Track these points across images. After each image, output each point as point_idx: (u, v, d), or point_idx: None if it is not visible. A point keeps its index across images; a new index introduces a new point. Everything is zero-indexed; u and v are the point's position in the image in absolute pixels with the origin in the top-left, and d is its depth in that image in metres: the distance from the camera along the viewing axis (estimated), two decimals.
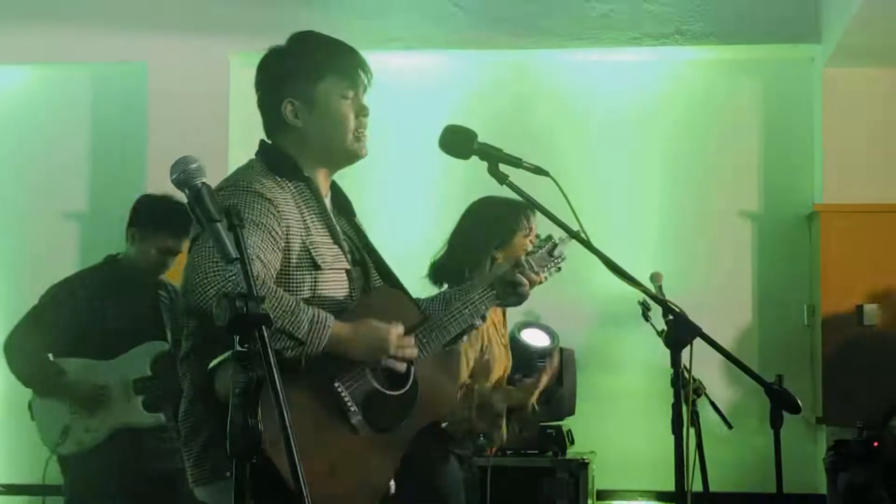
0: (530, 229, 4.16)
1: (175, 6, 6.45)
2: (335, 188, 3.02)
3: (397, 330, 2.77)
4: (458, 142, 2.94)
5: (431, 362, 2.91)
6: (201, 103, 6.36)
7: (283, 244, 2.73)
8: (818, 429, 6.07)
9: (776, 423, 2.80)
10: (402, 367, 2.80)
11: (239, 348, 1.93)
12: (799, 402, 2.74)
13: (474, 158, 2.92)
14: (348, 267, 2.87)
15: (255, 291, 2.00)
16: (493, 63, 6.57)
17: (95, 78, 6.75)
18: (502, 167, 2.88)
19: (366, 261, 2.96)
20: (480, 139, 2.93)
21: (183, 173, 2.19)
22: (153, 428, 4.80)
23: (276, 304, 2.57)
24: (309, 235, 2.79)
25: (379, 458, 2.78)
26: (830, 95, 6.16)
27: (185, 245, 4.93)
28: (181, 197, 2.21)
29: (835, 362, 6.00)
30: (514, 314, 6.01)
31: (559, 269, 3.28)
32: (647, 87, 6.49)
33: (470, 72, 6.57)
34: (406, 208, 6.37)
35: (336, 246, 2.86)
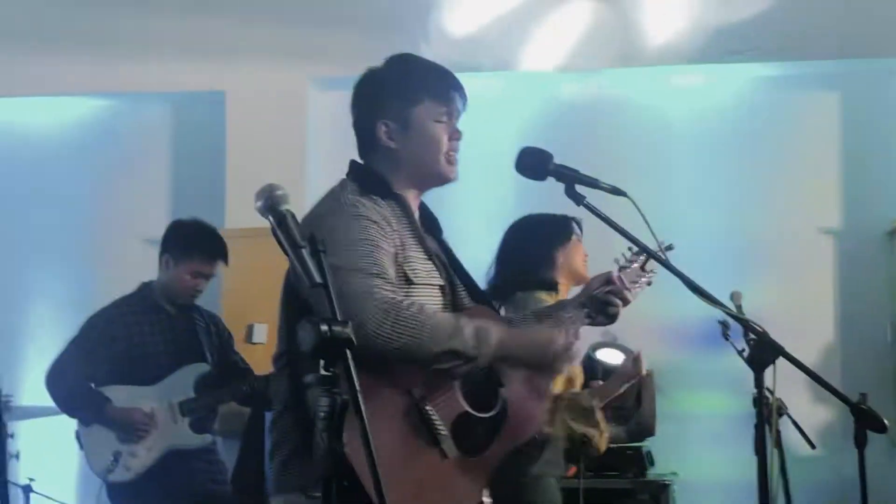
0: (581, 237, 4.28)
1: (253, 34, 6.53)
2: (423, 207, 3.03)
3: (562, 336, 2.81)
4: (534, 163, 2.94)
5: (520, 383, 2.89)
6: (280, 130, 6.43)
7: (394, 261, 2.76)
8: None
9: (860, 442, 2.77)
10: (563, 370, 2.82)
11: (324, 372, 1.95)
12: (885, 420, 2.70)
13: (550, 180, 2.93)
14: (442, 283, 2.89)
15: (338, 314, 2.02)
16: (566, 82, 6.57)
17: (175, 107, 6.86)
18: (579, 188, 2.88)
19: (454, 278, 2.97)
20: (556, 160, 2.93)
21: (268, 200, 2.22)
22: (201, 449, 4.85)
23: (440, 326, 2.62)
24: (404, 251, 2.81)
25: (466, 481, 2.76)
26: None
27: (219, 269, 5.01)
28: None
29: None
30: (591, 334, 6.00)
31: (650, 283, 3.23)
32: (723, 104, 6.45)
33: (542, 90, 6.58)
34: (475, 228, 6.38)
35: (430, 262, 2.88)
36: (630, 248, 3.27)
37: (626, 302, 3.11)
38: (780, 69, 6.33)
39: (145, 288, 5.04)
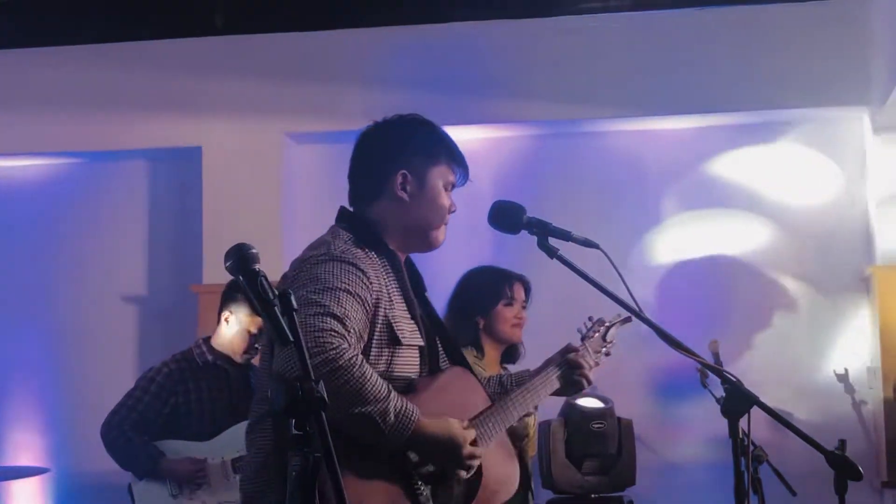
0: (514, 299, 4.30)
1: (228, 90, 6.56)
2: (409, 264, 3.03)
3: (470, 435, 2.76)
4: (506, 217, 2.96)
5: (496, 446, 2.91)
6: (256, 185, 6.44)
7: (370, 316, 2.74)
8: (884, 492, 5.96)
9: (840, 489, 2.76)
10: (462, 476, 2.77)
11: (295, 432, 1.94)
12: (860, 469, 2.70)
13: (523, 233, 2.94)
14: (422, 344, 2.88)
15: (310, 375, 2.01)
16: (539, 135, 6.61)
17: (152, 163, 6.86)
18: (552, 240, 2.90)
19: (435, 338, 2.97)
20: (528, 213, 2.95)
21: (238, 260, 2.21)
22: None
23: (369, 388, 2.58)
24: (392, 309, 2.80)
25: None
26: (880, 156, 6.13)
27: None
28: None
29: None
30: None
31: (608, 353, 3.36)
32: (695, 154, 6.48)
33: (515, 143, 6.61)
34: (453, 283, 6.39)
35: (413, 322, 2.87)
36: (590, 318, 3.40)
37: (590, 367, 3.23)
38: (752, 118, 6.38)
39: (203, 344, 5.02)
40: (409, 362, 2.82)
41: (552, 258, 2.88)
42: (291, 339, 2.01)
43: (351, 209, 2.97)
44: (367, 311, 2.72)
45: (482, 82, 6.40)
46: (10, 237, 6.87)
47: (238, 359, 4.97)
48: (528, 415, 3.13)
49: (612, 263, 2.80)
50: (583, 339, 3.30)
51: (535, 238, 2.92)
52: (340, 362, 2.54)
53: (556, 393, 3.22)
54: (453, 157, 2.99)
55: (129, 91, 6.64)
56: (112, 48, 6.69)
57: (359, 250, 2.81)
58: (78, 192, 6.89)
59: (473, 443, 2.77)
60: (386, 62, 6.46)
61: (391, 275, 2.86)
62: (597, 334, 3.28)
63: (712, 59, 6.28)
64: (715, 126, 6.45)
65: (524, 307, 4.36)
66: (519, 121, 6.45)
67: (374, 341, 2.75)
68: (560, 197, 6.29)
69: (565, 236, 2.87)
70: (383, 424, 2.59)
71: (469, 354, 4.17)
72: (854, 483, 2.75)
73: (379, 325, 2.76)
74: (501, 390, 3.13)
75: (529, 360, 5.92)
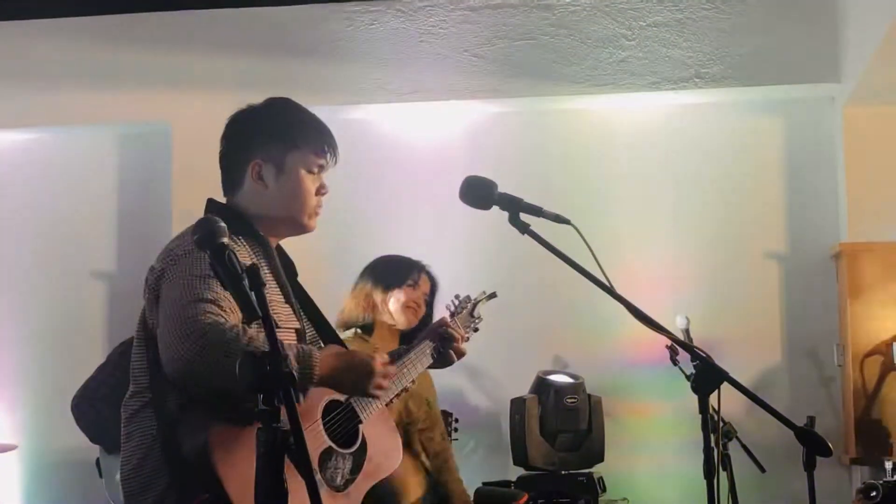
0: (418, 285, 4.48)
1: (198, 66, 6.52)
2: (280, 250, 3.02)
3: (381, 358, 2.81)
4: (478, 192, 2.94)
5: (375, 420, 2.95)
6: None
7: None
8: (852, 469, 6.01)
9: (809, 465, 2.77)
10: (383, 397, 2.85)
11: (263, 407, 1.93)
12: (829, 445, 2.71)
13: (495, 208, 2.93)
14: (298, 326, 2.88)
15: (278, 350, 2.00)
16: (512, 112, 6.60)
17: (121, 139, 6.82)
18: (523, 216, 2.88)
19: (309, 321, 2.97)
20: (500, 188, 2.93)
21: (205, 234, 2.19)
22: None
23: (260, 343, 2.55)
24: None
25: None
26: (851, 134, 6.16)
27: None
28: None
29: (866, 401, 5.95)
30: (542, 363, 6.02)
31: (476, 329, 3.51)
32: (667, 131, 6.50)
33: (489, 120, 6.60)
34: (427, 258, 6.38)
35: (288, 305, 2.87)
36: (457, 296, 3.58)
37: (462, 340, 3.33)
38: (722, 96, 6.39)
39: None
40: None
41: (523, 234, 2.87)
42: (260, 313, 2.00)
43: (222, 199, 2.98)
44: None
45: (451, 58, 6.38)
46: None
47: None
48: (404, 390, 3.22)
49: (584, 239, 2.80)
50: (452, 315, 3.37)
51: (506, 214, 2.91)
52: (228, 333, 2.52)
53: (431, 366, 3.33)
54: (315, 139, 2.95)
55: (98, 66, 6.58)
56: (80, 22, 6.63)
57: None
58: (47, 167, 6.84)
59: (384, 364, 2.81)
60: (359, 38, 6.42)
61: (262, 261, 2.86)
62: (465, 311, 3.36)
63: (684, 36, 6.28)
64: (686, 103, 6.45)
65: (426, 301, 4.51)
66: (490, 97, 6.43)
67: (252, 325, 2.70)
68: (531, 174, 6.29)
69: (536, 212, 2.85)
70: (293, 370, 2.57)
71: (355, 337, 4.37)
72: (822, 460, 2.76)
73: None
74: None
75: (508, 339, 5.96)
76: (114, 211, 6.79)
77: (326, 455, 2.78)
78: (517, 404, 5.58)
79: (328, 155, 2.97)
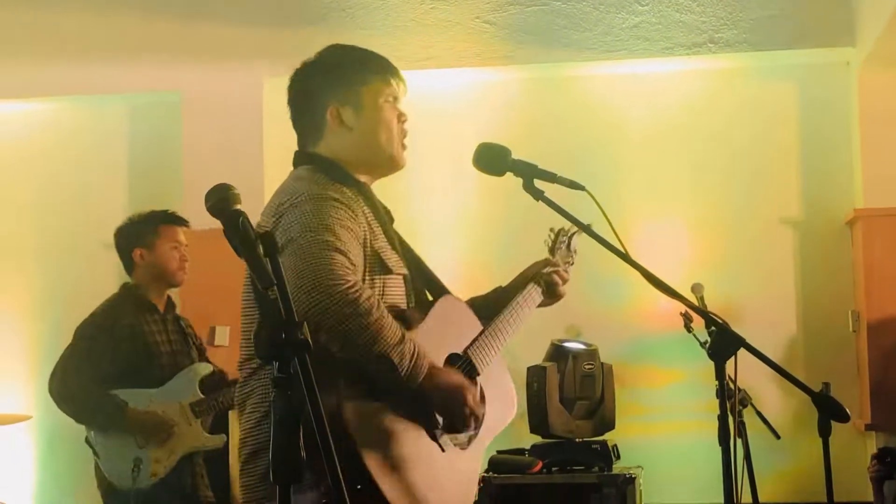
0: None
1: (207, 35, 6.49)
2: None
3: (475, 394, 2.76)
4: (492, 159, 2.92)
5: (491, 372, 2.92)
6: (235, 130, 6.39)
7: (362, 248, 2.73)
8: (867, 436, 6.00)
9: (825, 431, 2.76)
10: (462, 437, 2.81)
11: (278, 375, 1.92)
12: (847, 410, 2.70)
13: (509, 175, 2.91)
14: (405, 272, 2.87)
15: (294, 317, 1.99)
16: (525, 78, 6.57)
17: (131, 109, 6.80)
18: (537, 183, 2.86)
19: (411, 266, 2.95)
20: (514, 155, 2.91)
21: (218, 201, 2.17)
22: (215, 450, 4.83)
23: (387, 331, 2.57)
24: (375, 239, 2.79)
25: (464, 471, 2.82)
26: (867, 99, 6.10)
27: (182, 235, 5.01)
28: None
29: (881, 368, 5.93)
30: (555, 332, 6.01)
31: (573, 263, 3.34)
32: (681, 97, 6.46)
33: (501, 87, 6.57)
34: (440, 226, 6.36)
35: (394, 251, 2.86)
36: (552, 230, 3.35)
37: (564, 281, 3.19)
38: (736, 61, 6.34)
39: (131, 288, 4.94)
40: (396, 291, 2.82)
41: (537, 200, 2.84)
42: (274, 281, 1.99)
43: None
44: (360, 244, 2.71)
45: (463, 25, 6.34)
46: None
47: (175, 281, 4.95)
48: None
49: (598, 205, 2.78)
50: (551, 251, 3.27)
51: (520, 181, 2.89)
52: (362, 303, 2.54)
53: (540, 304, 3.21)
54: (382, 70, 2.94)
55: (107, 35, 6.56)
56: None
57: (335, 185, 2.78)
58: (57, 138, 6.83)
59: (477, 401, 2.76)
60: (370, 5, 6.40)
61: (367, 208, 2.84)
62: (563, 245, 3.27)
63: (697, 0, 6.23)
64: (700, 69, 6.41)
65: None
66: (502, 64, 6.40)
67: (367, 272, 2.74)
68: (544, 141, 6.26)
69: (551, 178, 2.83)
70: (399, 367, 2.59)
71: None
72: (837, 426, 2.75)
73: (369, 256, 2.75)
74: (487, 312, 3.07)
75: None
76: (125, 180, 6.78)
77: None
78: (536, 372, 5.55)
79: (397, 82, 2.96)
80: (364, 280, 2.71)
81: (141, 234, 4.94)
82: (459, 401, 2.71)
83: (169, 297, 5.00)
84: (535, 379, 5.54)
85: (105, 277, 6.69)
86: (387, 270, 2.77)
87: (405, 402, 2.66)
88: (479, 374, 2.87)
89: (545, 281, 3.15)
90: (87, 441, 4.75)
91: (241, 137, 6.38)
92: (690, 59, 6.29)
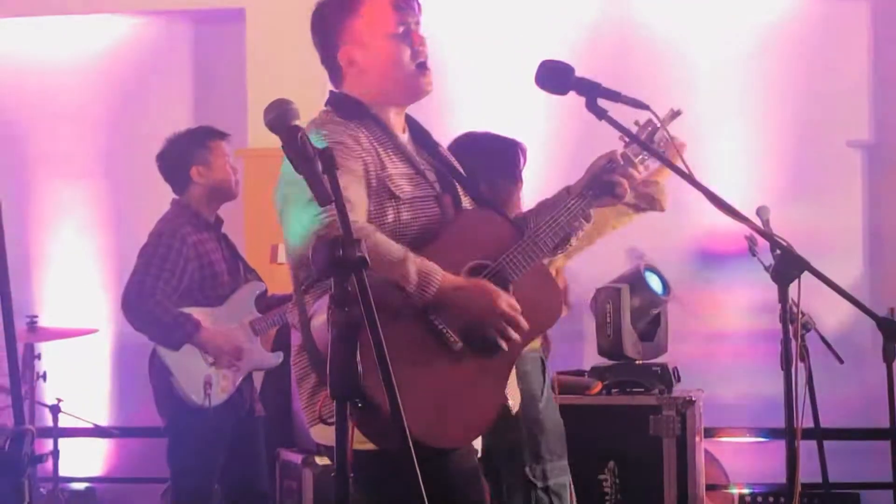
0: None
1: None
2: (411, 122, 3.00)
3: (509, 300, 2.73)
4: (554, 76, 2.86)
5: (530, 277, 2.86)
6: (300, 47, 6.31)
7: (365, 181, 2.75)
8: None
9: (889, 356, 2.74)
10: (500, 343, 2.74)
11: (336, 290, 1.93)
12: None
13: (572, 94, 2.86)
14: (435, 194, 2.86)
15: (351, 234, 1.99)
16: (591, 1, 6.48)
17: (196, 24, 6.81)
18: (601, 102, 2.82)
19: (455, 187, 2.93)
20: (577, 74, 2.87)
21: (277, 116, 2.17)
22: (276, 367, 4.89)
23: (384, 252, 2.57)
24: (384, 170, 2.79)
25: (486, 382, 2.77)
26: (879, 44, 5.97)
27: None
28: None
29: None
30: (617, 254, 5.96)
31: (646, 159, 2.99)
32: (749, 18, 6.34)
33: (567, 6, 6.48)
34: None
35: (418, 176, 2.85)
36: (637, 122, 2.99)
37: (633, 179, 2.95)
38: None
39: (186, 205, 4.94)
40: (422, 214, 2.81)
41: (601, 119, 2.80)
42: (332, 197, 1.99)
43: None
44: (357, 177, 2.73)
45: None
46: (56, 98, 6.86)
47: (235, 192, 4.97)
48: (571, 233, 2.95)
49: (663, 125, 2.74)
50: (626, 144, 3.01)
51: (583, 100, 2.84)
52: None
53: (598, 205, 2.98)
54: (380, 2, 2.90)
55: None
56: None
57: (336, 125, 2.81)
58: (122, 54, 6.86)
59: (511, 304, 2.72)
60: None
61: (381, 139, 2.84)
62: (642, 136, 2.95)
63: None
64: None
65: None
66: None
67: (373, 200, 2.75)
68: (608, 60, 6.17)
69: (615, 97, 2.78)
70: (406, 285, 2.59)
71: None
72: None
73: (375, 187, 2.76)
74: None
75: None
76: (190, 98, 6.82)
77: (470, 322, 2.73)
78: (610, 294, 5.45)
79: (407, 7, 2.91)
80: (370, 206, 2.74)
81: (193, 152, 4.93)
82: (484, 307, 2.68)
83: (217, 215, 5.01)
84: (610, 301, 5.43)
85: (168, 191, 6.76)
86: (394, 197, 2.77)
87: (415, 314, 2.65)
88: (510, 282, 2.81)
89: (605, 182, 2.94)
90: (154, 358, 4.81)
91: (305, 54, 6.29)
92: None
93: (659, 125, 2.95)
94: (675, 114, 3.01)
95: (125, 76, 6.85)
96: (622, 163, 2.94)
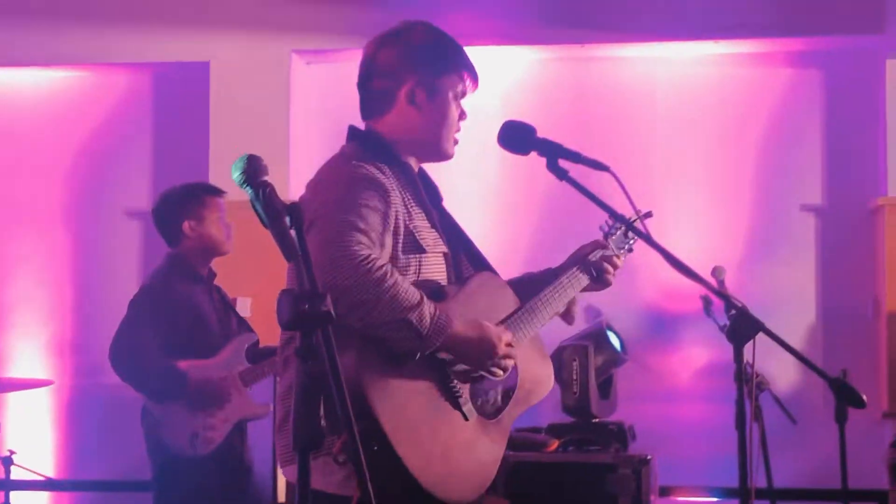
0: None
1: (237, 5, 6.49)
2: (422, 174, 3.04)
3: (506, 337, 2.81)
4: (517, 136, 2.92)
5: (527, 347, 2.94)
6: (263, 102, 6.40)
7: (392, 228, 2.77)
8: (884, 423, 6.00)
9: (841, 418, 2.77)
10: (500, 375, 2.82)
11: (301, 344, 1.95)
12: (863, 397, 2.71)
13: (533, 154, 2.91)
14: (446, 250, 2.90)
15: (317, 288, 2.01)
16: (551, 59, 6.55)
17: (158, 78, 6.82)
18: (562, 163, 2.87)
19: (456, 246, 2.98)
20: (539, 134, 2.92)
21: (245, 172, 2.19)
22: (262, 417, 4.89)
23: (403, 294, 2.61)
24: (411, 220, 2.82)
25: (487, 442, 2.85)
26: (894, 87, 6.08)
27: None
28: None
29: None
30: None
31: (631, 250, 3.26)
32: (707, 80, 6.44)
33: (528, 67, 6.56)
34: (463, 203, 6.36)
35: (434, 230, 2.89)
36: (611, 216, 3.21)
37: (615, 267, 3.15)
38: (763, 46, 6.32)
39: (179, 258, 4.95)
40: (436, 269, 2.85)
41: (561, 180, 2.85)
42: (298, 252, 2.01)
43: (361, 126, 2.97)
44: (387, 224, 2.74)
45: (490, 2, 6.33)
46: (15, 149, 6.84)
47: (226, 248, 4.98)
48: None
49: (622, 186, 2.78)
50: (606, 236, 3.21)
51: (543, 161, 2.89)
52: (375, 273, 2.59)
53: (588, 288, 3.17)
54: (463, 64, 2.97)
55: (138, 3, 6.56)
56: None
57: (371, 166, 2.81)
58: (84, 105, 6.84)
59: (509, 344, 2.81)
60: None
61: (406, 187, 2.87)
62: (619, 231, 3.21)
63: None
64: (727, 53, 6.39)
65: None
66: (529, 44, 6.39)
67: (401, 251, 2.78)
68: (569, 122, 6.25)
69: (575, 158, 2.83)
70: (420, 328, 2.63)
71: None
72: (854, 413, 2.76)
73: (403, 236, 2.79)
74: (531, 290, 3.07)
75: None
76: (150, 150, 6.80)
77: (478, 384, 2.82)
78: (577, 350, 5.42)
79: (472, 81, 2.99)
80: (399, 258, 2.77)
81: (188, 206, 4.96)
82: (489, 343, 2.75)
83: (210, 268, 5.03)
84: (577, 358, 5.41)
85: (128, 245, 6.75)
86: (420, 250, 2.81)
87: (428, 367, 2.71)
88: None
89: (594, 267, 3.12)
90: (145, 411, 4.80)
91: (269, 109, 6.38)
92: (718, 42, 6.26)
93: (632, 220, 3.05)
94: (646, 214, 3.11)
95: (85, 128, 6.83)
96: (611, 249, 3.15)
